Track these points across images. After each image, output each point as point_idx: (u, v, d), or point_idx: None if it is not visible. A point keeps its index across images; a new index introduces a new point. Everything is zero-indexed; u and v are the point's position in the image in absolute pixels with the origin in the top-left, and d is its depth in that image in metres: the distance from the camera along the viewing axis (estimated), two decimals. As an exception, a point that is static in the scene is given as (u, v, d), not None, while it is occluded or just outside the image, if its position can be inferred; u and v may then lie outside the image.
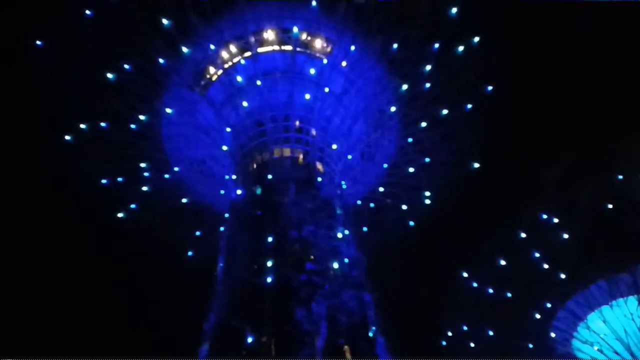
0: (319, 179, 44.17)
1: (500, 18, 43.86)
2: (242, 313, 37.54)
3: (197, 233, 50.41)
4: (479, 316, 50.75)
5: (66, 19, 41.18)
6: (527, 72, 62.73)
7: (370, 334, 37.64)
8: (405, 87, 44.80)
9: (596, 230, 47.53)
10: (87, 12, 41.33)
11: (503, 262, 49.75)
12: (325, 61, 44.63)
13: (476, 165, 47.75)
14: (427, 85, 45.88)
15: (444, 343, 50.97)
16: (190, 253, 50.34)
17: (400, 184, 50.39)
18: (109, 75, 42.88)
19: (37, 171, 55.73)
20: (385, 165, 49.07)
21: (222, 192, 46.69)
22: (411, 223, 51.60)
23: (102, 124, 45.38)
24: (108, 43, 42.36)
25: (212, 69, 45.85)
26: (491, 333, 50.47)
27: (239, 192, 43.81)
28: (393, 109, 45.76)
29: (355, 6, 42.71)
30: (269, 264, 38.92)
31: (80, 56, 42.58)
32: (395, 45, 43.89)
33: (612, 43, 66.84)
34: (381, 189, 50.79)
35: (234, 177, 45.16)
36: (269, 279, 38.15)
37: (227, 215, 44.89)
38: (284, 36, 44.37)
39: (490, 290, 51.06)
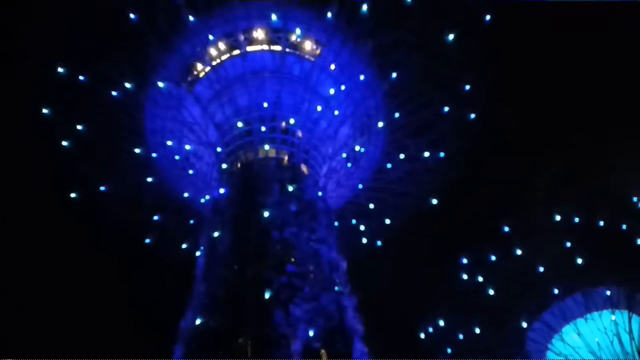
0: (304, 181, 44.05)
1: (493, 28, 43.98)
2: (220, 313, 37.32)
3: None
4: (461, 321, 50.96)
5: (56, 12, 40.49)
6: (517, 80, 62.88)
7: (348, 338, 37.59)
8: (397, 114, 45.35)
9: (577, 243, 48.06)
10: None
11: (480, 279, 49.96)
12: (314, 63, 44.50)
13: (461, 173, 48.06)
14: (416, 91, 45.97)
15: (422, 336, 50.86)
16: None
17: (385, 189, 50.45)
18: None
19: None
20: (370, 170, 49.09)
21: (205, 193, 46.23)
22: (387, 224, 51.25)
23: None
24: (98, 35, 41.77)
25: (199, 65, 45.39)
26: (473, 334, 50.60)
27: (221, 190, 43.48)
28: (381, 124, 45.81)
29: (347, 9, 42.59)
30: (250, 264, 38.73)
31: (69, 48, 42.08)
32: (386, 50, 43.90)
33: (602, 46, 67.12)
34: (366, 193, 50.76)
35: (217, 175, 44.81)
36: (248, 280, 37.95)
37: (208, 213, 44.50)
38: (274, 36, 44.13)
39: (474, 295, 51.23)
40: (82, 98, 44.26)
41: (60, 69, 43.02)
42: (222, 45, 44.58)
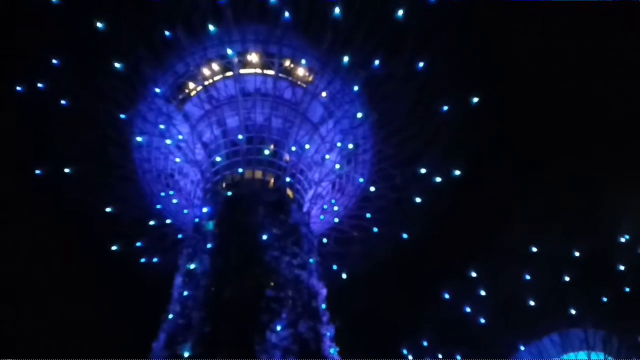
0: (289, 205, 43.99)
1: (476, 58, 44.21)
2: (194, 335, 36.74)
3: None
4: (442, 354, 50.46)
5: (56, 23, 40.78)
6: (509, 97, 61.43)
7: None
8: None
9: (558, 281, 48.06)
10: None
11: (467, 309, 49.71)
12: (306, 89, 44.92)
13: (447, 203, 48.36)
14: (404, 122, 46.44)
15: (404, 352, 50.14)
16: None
17: (370, 217, 50.50)
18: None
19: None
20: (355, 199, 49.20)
21: (186, 210, 45.99)
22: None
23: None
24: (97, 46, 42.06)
25: (191, 84, 45.61)
26: None
27: (205, 210, 43.26)
28: (368, 156, 46.11)
29: (341, 39, 43.24)
30: (227, 286, 38.37)
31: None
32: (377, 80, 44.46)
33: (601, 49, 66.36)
34: (349, 221, 50.78)
35: (201, 194, 44.63)
36: (225, 302, 37.54)
37: (189, 232, 44.16)
38: (268, 60, 44.56)
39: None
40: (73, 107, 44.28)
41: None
42: (215, 66, 44.88)
